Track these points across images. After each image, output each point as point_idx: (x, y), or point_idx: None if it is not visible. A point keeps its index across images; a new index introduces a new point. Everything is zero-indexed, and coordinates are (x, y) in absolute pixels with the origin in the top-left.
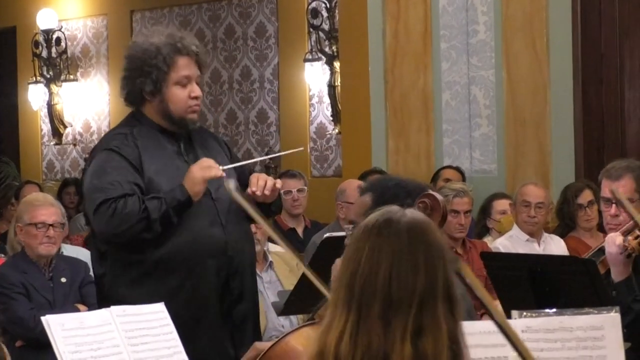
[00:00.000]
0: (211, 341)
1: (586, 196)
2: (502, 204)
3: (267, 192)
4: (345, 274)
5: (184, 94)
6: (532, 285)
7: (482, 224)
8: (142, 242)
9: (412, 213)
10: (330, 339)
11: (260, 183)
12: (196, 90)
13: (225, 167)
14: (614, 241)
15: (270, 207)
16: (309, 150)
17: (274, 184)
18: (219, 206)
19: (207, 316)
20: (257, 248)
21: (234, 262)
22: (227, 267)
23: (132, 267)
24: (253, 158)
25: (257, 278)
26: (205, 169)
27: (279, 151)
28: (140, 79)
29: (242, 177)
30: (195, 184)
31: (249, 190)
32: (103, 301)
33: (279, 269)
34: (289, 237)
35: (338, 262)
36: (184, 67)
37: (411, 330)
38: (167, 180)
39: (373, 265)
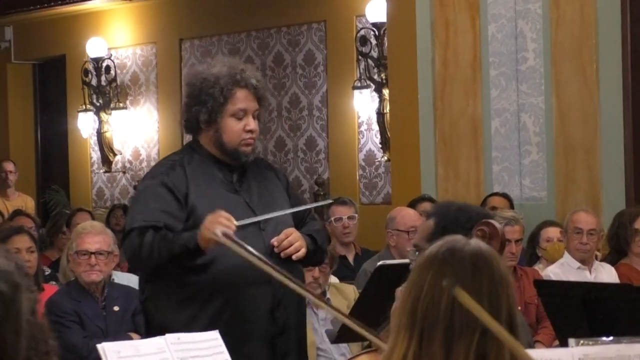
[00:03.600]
0: None
1: None
2: (549, 232)
3: (282, 255)
4: (408, 299)
5: (238, 126)
6: (586, 313)
7: (531, 252)
8: (186, 268)
9: (477, 242)
10: None
11: (284, 244)
12: (251, 124)
13: (240, 224)
14: None
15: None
16: (357, 178)
17: (294, 254)
18: (267, 237)
19: (247, 344)
20: (318, 291)
21: (278, 293)
22: (271, 297)
23: (174, 291)
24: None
25: (312, 315)
26: (214, 224)
27: (324, 196)
28: (197, 107)
29: (300, 214)
30: (202, 237)
31: (273, 240)
32: (147, 325)
33: (336, 304)
34: (340, 265)
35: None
36: (242, 99)
37: (474, 357)
38: (210, 209)
39: (436, 290)
